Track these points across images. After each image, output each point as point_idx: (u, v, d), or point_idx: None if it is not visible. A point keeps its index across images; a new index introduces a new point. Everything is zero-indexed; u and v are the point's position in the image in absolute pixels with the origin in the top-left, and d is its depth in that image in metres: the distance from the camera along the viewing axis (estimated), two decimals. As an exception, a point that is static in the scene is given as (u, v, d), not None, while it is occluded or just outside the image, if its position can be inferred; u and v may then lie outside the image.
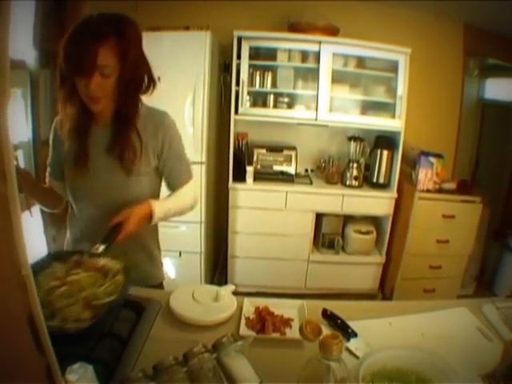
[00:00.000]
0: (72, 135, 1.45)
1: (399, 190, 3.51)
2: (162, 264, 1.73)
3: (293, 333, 1.23)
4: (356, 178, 3.55)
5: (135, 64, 1.35)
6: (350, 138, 3.60)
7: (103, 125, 1.46)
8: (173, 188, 1.59)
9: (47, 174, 1.62)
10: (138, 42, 1.37)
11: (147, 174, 1.50)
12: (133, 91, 1.42)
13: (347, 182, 3.57)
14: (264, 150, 3.62)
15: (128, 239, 1.36)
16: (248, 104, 3.43)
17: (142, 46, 1.40)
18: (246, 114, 3.42)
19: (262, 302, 1.37)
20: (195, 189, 1.65)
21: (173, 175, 1.57)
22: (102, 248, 1.27)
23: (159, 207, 1.46)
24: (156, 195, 1.58)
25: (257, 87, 3.45)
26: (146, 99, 1.43)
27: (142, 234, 1.55)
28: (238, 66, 3.31)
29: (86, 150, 1.45)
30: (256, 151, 3.61)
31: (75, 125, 1.44)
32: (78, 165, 1.45)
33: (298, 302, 1.38)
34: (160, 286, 1.69)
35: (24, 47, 2.26)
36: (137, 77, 1.39)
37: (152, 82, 1.45)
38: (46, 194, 1.59)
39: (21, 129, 2.33)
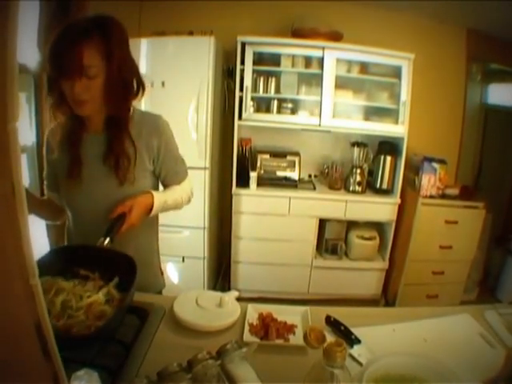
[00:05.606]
0: (64, 145, 1.43)
1: (402, 196, 3.50)
2: (161, 272, 1.71)
3: (296, 339, 1.23)
4: (359, 184, 3.55)
5: (122, 65, 1.31)
6: (353, 144, 3.61)
7: (95, 133, 1.43)
8: (169, 186, 1.59)
9: (45, 186, 1.58)
10: (123, 42, 1.33)
11: (143, 178, 1.48)
12: (122, 95, 1.37)
13: (350, 188, 3.57)
14: (267, 156, 3.63)
15: (127, 238, 1.36)
16: (252, 109, 3.43)
17: (129, 47, 1.36)
18: (249, 119, 3.42)
19: (265, 308, 1.37)
20: (191, 184, 1.65)
21: (169, 176, 1.57)
22: (107, 241, 1.27)
23: (158, 200, 1.46)
24: None
25: (260, 93, 3.46)
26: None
27: (141, 239, 1.55)
28: (242, 71, 3.32)
29: (79, 160, 1.42)
30: (259, 157, 3.62)
31: (66, 134, 1.42)
32: (71, 175, 1.42)
33: (302, 308, 1.38)
34: (158, 294, 1.66)
35: (28, 51, 2.27)
36: (124, 79, 1.35)
37: (141, 86, 1.42)
38: (44, 207, 1.55)
39: (25, 133, 2.34)
